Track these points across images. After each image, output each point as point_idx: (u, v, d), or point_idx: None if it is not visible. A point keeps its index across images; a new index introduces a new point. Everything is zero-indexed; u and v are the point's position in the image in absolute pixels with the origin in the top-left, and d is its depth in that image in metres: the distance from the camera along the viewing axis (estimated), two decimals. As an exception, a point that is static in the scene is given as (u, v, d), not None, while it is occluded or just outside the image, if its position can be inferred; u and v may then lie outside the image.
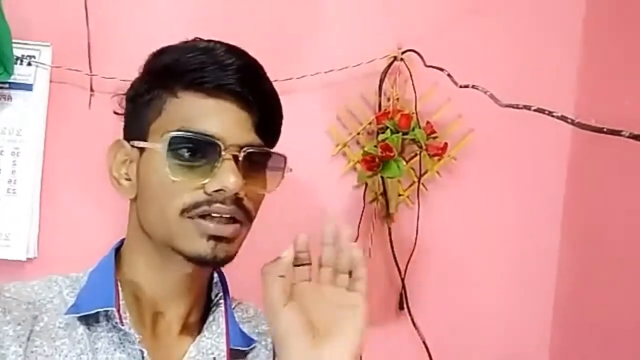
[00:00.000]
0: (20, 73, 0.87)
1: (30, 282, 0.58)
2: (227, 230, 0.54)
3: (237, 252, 0.57)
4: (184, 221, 0.54)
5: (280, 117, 0.60)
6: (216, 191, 0.53)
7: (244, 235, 0.57)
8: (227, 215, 0.54)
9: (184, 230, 0.54)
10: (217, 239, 0.54)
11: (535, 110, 0.63)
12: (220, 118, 0.54)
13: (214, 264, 0.56)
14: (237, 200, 0.54)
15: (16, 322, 0.53)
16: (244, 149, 0.54)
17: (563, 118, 0.57)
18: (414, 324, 1.01)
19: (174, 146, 0.53)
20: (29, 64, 0.88)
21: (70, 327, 0.54)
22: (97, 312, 0.55)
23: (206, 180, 0.53)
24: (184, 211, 0.53)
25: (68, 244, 0.90)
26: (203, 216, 0.54)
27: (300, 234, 0.57)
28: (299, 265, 0.57)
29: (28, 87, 0.88)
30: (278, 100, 0.59)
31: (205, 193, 0.53)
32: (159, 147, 0.54)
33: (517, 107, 0.67)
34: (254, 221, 0.58)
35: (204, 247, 0.54)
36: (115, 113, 0.61)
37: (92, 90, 0.90)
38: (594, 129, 0.53)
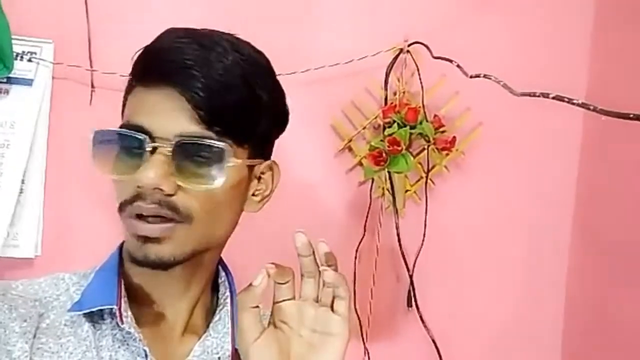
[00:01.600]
0: (20, 69, 0.86)
1: (37, 280, 0.57)
2: (152, 229, 0.50)
3: (180, 253, 0.52)
4: (123, 219, 0.52)
5: (239, 105, 0.52)
6: (138, 187, 0.50)
7: (185, 235, 0.51)
8: (151, 214, 0.50)
9: (125, 229, 0.52)
10: (146, 239, 0.51)
11: (553, 98, 0.58)
12: (154, 110, 0.50)
13: (149, 266, 0.52)
14: (162, 197, 0.50)
15: (22, 319, 0.52)
16: (176, 141, 0.50)
17: (584, 105, 0.54)
18: (423, 322, 1.00)
19: (101, 142, 0.52)
20: (30, 60, 0.87)
21: (76, 325, 0.54)
22: (102, 310, 0.54)
23: (133, 176, 0.50)
24: (119, 210, 0.52)
25: (70, 242, 0.89)
26: (136, 215, 0.51)
27: (297, 233, 0.52)
28: (303, 276, 0.54)
29: (28, 83, 0.87)
30: (235, 86, 0.52)
31: (130, 190, 0.51)
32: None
33: (533, 95, 0.62)
34: (209, 219, 0.52)
35: (135, 247, 0.51)
36: None
37: (92, 86, 0.89)
38: (619, 116, 0.49)
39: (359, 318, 0.98)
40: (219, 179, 0.51)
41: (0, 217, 0.85)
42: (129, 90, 0.55)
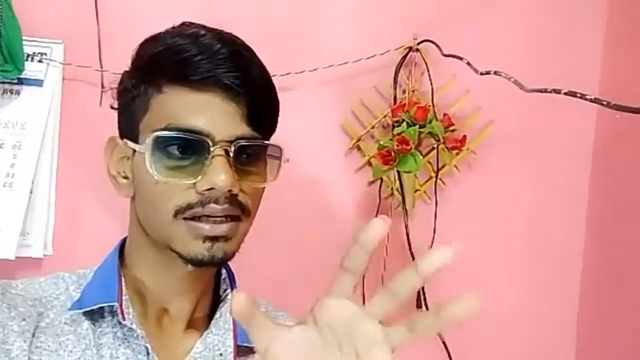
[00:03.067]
0: (31, 69, 0.87)
1: (37, 279, 0.57)
2: (222, 229, 0.52)
3: (237, 249, 0.54)
4: (178, 223, 0.52)
5: (274, 105, 0.56)
6: (207, 190, 0.51)
7: (243, 231, 0.54)
8: (222, 215, 0.51)
9: (179, 233, 0.52)
10: (214, 239, 0.52)
11: (565, 94, 0.57)
12: (207, 112, 0.51)
13: (212, 265, 0.53)
14: (231, 197, 0.51)
15: (21, 318, 0.52)
16: (235, 142, 0.51)
17: (597, 101, 0.52)
18: (433, 324, 0.98)
19: (159, 146, 0.51)
20: (40, 61, 0.88)
21: (76, 323, 0.54)
22: (102, 308, 0.54)
23: (197, 179, 0.51)
24: (177, 213, 0.51)
25: (81, 242, 0.90)
26: (197, 217, 0.51)
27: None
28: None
29: (38, 83, 0.88)
30: (270, 87, 0.56)
31: (197, 193, 0.51)
32: (143, 148, 0.52)
33: (544, 91, 0.61)
34: (254, 214, 0.55)
35: (200, 249, 0.52)
36: (112, 108, 0.60)
37: (102, 86, 0.90)
38: (632, 111, 0.48)
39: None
40: (274, 175, 0.55)
41: (13, 218, 0.85)
42: (154, 88, 0.53)
